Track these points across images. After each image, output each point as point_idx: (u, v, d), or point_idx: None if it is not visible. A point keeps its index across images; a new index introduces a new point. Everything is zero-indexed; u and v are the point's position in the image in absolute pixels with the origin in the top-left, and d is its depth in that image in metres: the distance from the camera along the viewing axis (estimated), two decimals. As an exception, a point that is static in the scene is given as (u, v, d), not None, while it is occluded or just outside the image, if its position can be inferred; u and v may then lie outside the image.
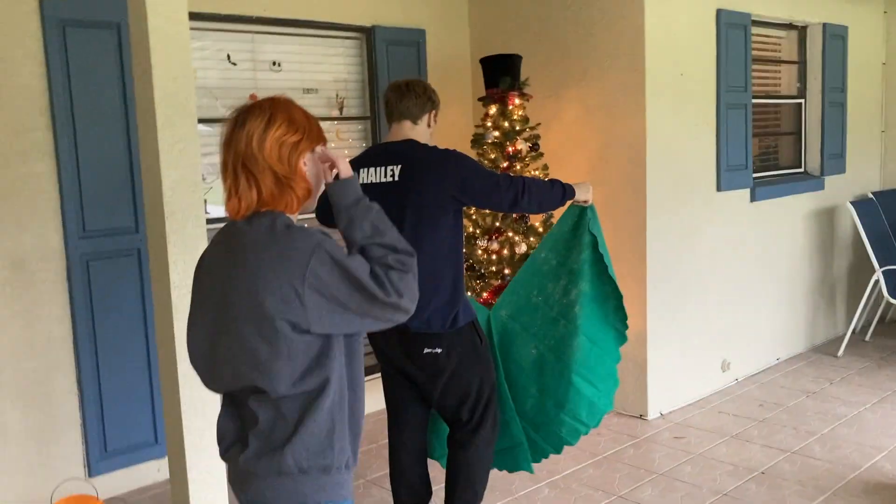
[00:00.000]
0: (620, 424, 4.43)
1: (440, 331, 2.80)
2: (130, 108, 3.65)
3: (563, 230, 3.12)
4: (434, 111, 2.96)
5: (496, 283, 4.20)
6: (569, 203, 3.03)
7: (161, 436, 3.83)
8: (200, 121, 2.67)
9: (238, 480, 1.71)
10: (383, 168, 2.82)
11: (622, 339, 3.12)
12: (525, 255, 4.13)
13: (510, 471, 3.25)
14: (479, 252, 4.21)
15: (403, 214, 2.74)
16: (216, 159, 4.10)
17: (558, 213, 3.22)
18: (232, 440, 1.71)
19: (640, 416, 4.52)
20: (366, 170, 2.87)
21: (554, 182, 2.93)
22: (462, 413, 2.92)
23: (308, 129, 1.66)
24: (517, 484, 3.72)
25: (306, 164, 1.66)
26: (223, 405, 1.73)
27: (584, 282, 3.01)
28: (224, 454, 1.73)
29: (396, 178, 2.79)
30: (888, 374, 5.16)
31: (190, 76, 2.60)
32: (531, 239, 4.19)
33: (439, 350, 2.81)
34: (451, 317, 2.81)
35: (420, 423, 3.08)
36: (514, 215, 4.19)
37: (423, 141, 2.90)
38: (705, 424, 4.41)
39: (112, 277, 3.70)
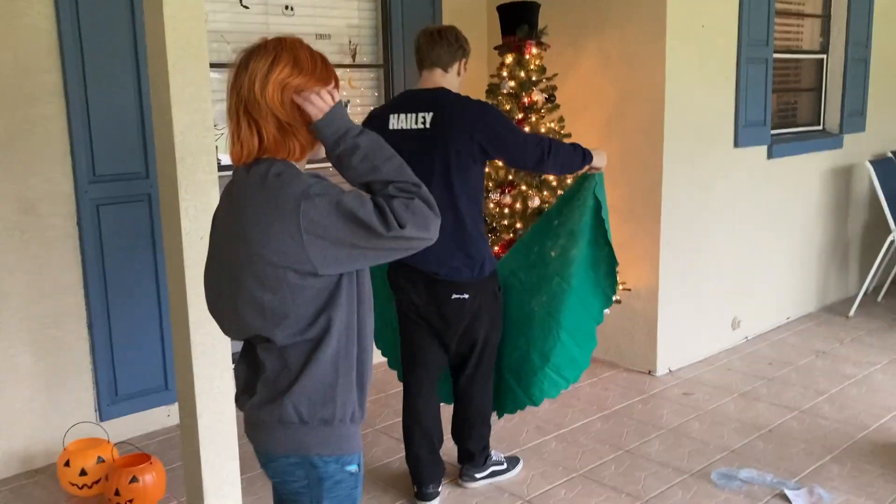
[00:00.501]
0: (629, 380, 4.44)
1: (469, 278, 2.87)
2: (140, 49, 3.58)
3: (570, 193, 3.18)
4: (464, 59, 2.99)
5: (508, 237, 4.16)
6: (587, 168, 3.08)
7: (171, 381, 3.85)
8: (211, 65, 2.61)
9: (249, 429, 1.71)
10: (414, 115, 2.86)
11: (608, 303, 3.21)
12: (538, 210, 4.08)
13: None
14: (492, 206, 4.16)
15: (433, 161, 2.80)
16: (224, 106, 4.06)
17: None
18: (242, 387, 1.71)
19: (649, 373, 4.52)
20: (395, 115, 2.90)
21: (576, 146, 3.00)
22: (473, 356, 3.06)
23: (313, 71, 1.59)
24: (525, 436, 3.74)
25: None
26: (241, 351, 1.73)
27: (582, 243, 3.09)
28: (237, 400, 1.74)
29: (427, 126, 2.83)
30: (899, 335, 5.14)
31: (202, 18, 2.53)
32: (545, 193, 4.14)
33: (467, 296, 2.91)
34: (479, 264, 2.91)
35: (437, 367, 3.12)
36: (528, 168, 4.15)
37: (453, 89, 2.92)
38: (714, 381, 4.41)
39: (122, 222, 3.68)
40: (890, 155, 5.86)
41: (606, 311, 3.25)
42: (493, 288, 3.02)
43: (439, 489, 3.17)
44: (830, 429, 3.78)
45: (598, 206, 3.07)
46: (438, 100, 2.86)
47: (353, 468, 1.65)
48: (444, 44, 2.90)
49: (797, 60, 5.51)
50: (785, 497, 3.14)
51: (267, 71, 1.55)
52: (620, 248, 4.44)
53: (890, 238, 5.36)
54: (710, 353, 4.83)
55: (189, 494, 2.79)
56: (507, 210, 4.14)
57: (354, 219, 1.48)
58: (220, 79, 4.00)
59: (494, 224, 4.17)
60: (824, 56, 5.60)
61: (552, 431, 3.79)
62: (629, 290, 4.43)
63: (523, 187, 4.13)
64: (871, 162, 5.50)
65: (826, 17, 5.55)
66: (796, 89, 5.60)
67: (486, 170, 4.19)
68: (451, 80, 2.94)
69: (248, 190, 1.56)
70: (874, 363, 4.64)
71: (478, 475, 3.27)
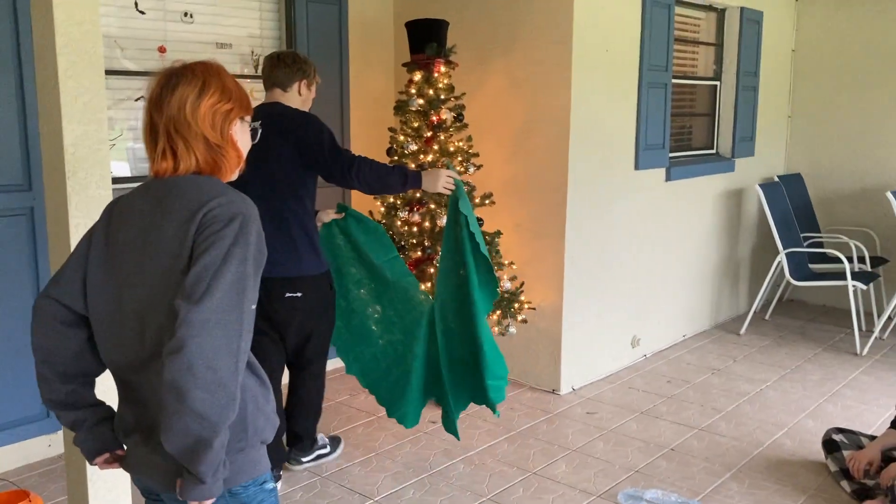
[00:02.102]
0: (534, 399, 4.44)
1: (297, 276, 3.12)
2: (24, 51, 3.33)
3: (449, 214, 3.30)
4: (304, 80, 3.24)
5: (416, 255, 4.10)
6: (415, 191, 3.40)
7: (54, 409, 3.58)
8: (105, 73, 2.44)
9: (141, 467, 1.62)
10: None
11: (496, 295, 3.35)
12: (446, 228, 4.04)
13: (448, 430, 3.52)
14: (399, 224, 4.09)
15: (261, 165, 3.01)
16: (115, 114, 3.84)
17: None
18: (131, 428, 1.62)
19: (553, 391, 4.54)
20: None
21: (395, 168, 3.17)
22: (308, 349, 3.31)
23: (239, 98, 1.66)
24: (432, 460, 3.66)
25: (236, 132, 1.65)
26: (120, 391, 1.65)
27: (467, 263, 3.23)
28: (125, 440, 1.66)
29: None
30: (787, 352, 5.36)
31: (96, 22, 2.37)
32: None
33: (300, 294, 3.14)
34: (306, 262, 3.14)
35: (277, 363, 3.30)
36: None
37: (295, 106, 3.20)
38: (616, 400, 4.46)
39: (0, 238, 3.40)
40: (776, 179, 6.14)
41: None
42: (325, 286, 3.25)
43: (281, 472, 3.43)
44: (728, 446, 3.88)
45: (466, 220, 3.18)
46: (268, 111, 3.14)
47: (269, 486, 1.65)
48: (281, 66, 3.20)
49: (693, 86, 5.71)
50: (689, 516, 3.19)
51: (198, 95, 1.59)
52: (527, 267, 4.48)
53: (778, 259, 5.60)
54: (612, 371, 4.90)
55: (74, 535, 2.59)
56: (415, 229, 4.08)
57: (233, 277, 1.45)
58: (114, 87, 3.78)
59: (403, 242, 4.10)
60: (717, 83, 5.82)
61: (459, 454, 3.74)
62: (534, 308, 4.44)
63: (432, 206, 4.08)
64: (761, 186, 5.74)
65: (719, 46, 5.77)
66: (692, 114, 5.80)
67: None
68: (291, 98, 3.22)
69: (185, 196, 1.54)
70: (765, 380, 4.82)
71: (304, 458, 3.53)
